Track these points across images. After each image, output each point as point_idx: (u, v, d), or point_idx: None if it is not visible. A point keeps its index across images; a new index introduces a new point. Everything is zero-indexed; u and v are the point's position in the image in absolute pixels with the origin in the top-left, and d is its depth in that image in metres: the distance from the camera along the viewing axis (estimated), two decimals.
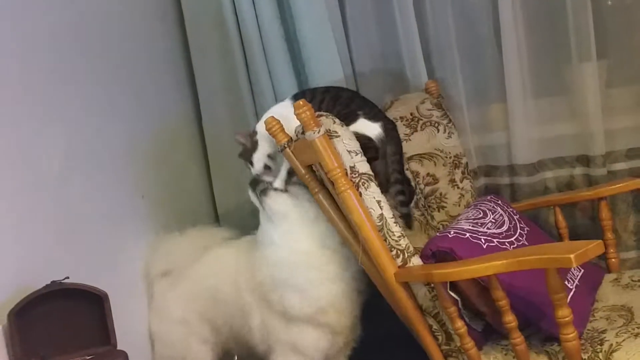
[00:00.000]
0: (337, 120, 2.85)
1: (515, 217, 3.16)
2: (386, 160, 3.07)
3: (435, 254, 2.75)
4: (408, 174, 3.36)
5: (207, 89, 4.08)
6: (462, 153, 3.53)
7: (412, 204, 3.24)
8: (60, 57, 3.09)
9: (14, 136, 2.74)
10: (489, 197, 3.32)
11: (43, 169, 2.89)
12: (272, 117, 3.05)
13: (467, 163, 3.54)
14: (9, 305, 2.52)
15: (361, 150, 2.84)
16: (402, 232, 2.80)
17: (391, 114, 3.42)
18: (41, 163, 2.88)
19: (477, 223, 2.94)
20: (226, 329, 3.42)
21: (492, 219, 3.03)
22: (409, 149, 3.43)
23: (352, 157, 2.79)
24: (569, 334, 2.37)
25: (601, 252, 2.33)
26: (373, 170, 2.85)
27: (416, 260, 2.79)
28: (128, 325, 3.04)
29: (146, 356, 3.45)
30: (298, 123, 2.86)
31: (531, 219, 3.38)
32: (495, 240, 2.85)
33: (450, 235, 2.79)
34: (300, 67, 3.90)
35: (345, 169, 2.77)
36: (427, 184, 3.42)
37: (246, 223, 3.60)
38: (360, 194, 2.76)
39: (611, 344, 2.58)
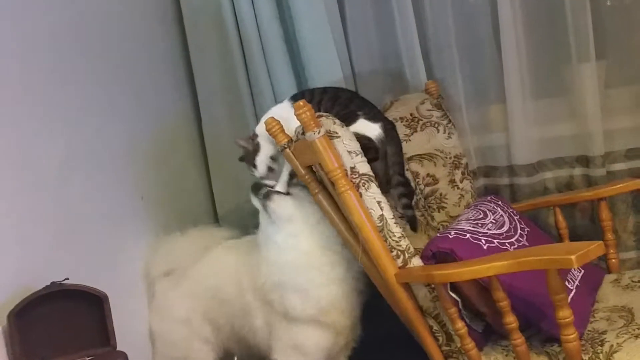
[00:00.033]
0: (337, 121, 2.84)
1: (515, 217, 3.15)
2: (386, 161, 3.06)
3: (435, 255, 2.74)
4: (408, 174, 3.33)
5: (206, 89, 4.06)
6: (462, 153, 3.52)
7: (413, 204, 3.21)
8: (60, 57, 3.09)
9: (14, 136, 2.74)
10: (489, 198, 3.30)
11: (43, 169, 2.88)
12: (272, 117, 3.04)
13: (467, 163, 3.52)
14: (9, 306, 2.53)
15: (361, 151, 2.83)
16: (403, 232, 2.79)
17: (391, 115, 3.41)
18: (41, 163, 2.88)
19: (477, 224, 2.93)
20: (227, 328, 3.41)
21: (493, 219, 3.02)
22: (409, 149, 3.41)
23: (352, 158, 2.77)
24: (570, 334, 2.35)
25: (602, 253, 2.31)
26: (373, 171, 2.83)
27: (417, 261, 2.77)
28: (128, 326, 3.02)
29: (146, 357, 3.44)
30: (297, 124, 2.85)
31: (531, 220, 3.36)
32: (495, 240, 2.83)
33: (450, 236, 2.78)
34: (299, 67, 3.89)
35: (346, 170, 2.75)
36: (427, 185, 3.40)
37: (246, 223, 3.59)
38: (361, 195, 2.75)
39: (612, 345, 2.56)
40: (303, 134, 2.79)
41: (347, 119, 2.97)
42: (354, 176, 2.75)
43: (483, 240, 2.79)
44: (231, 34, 3.85)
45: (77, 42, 3.22)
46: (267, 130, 3.03)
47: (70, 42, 3.17)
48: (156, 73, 3.92)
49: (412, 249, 2.78)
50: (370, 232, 2.73)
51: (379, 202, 2.76)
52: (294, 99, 3.13)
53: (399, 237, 2.76)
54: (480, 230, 2.86)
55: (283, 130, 3.01)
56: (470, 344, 2.64)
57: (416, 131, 3.46)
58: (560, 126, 3.70)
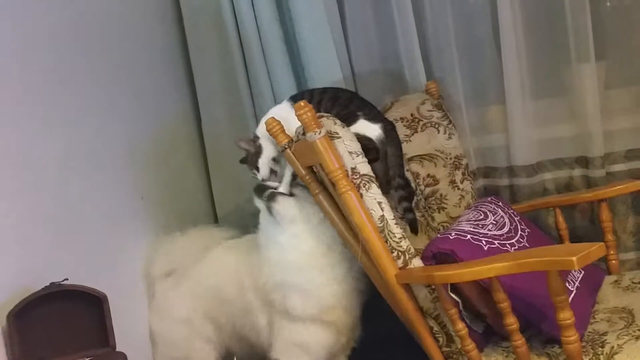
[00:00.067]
0: (338, 122, 2.82)
1: (516, 218, 3.14)
2: (386, 162, 3.04)
3: (436, 256, 2.73)
4: (408, 174, 3.32)
5: (206, 90, 4.06)
6: (462, 154, 3.50)
7: (413, 205, 3.20)
8: (60, 57, 3.07)
9: (14, 136, 2.72)
10: (489, 199, 3.29)
11: (43, 169, 2.87)
12: (273, 117, 3.03)
13: (467, 164, 3.51)
14: (8, 307, 2.52)
15: (362, 152, 2.81)
16: (403, 233, 2.77)
17: (391, 115, 3.39)
18: (41, 163, 2.86)
19: (478, 224, 2.91)
20: (229, 328, 3.41)
21: (493, 220, 3.00)
22: (409, 150, 3.40)
23: (353, 159, 2.76)
24: (571, 336, 2.33)
25: (603, 255, 2.30)
26: (373, 172, 2.82)
27: (417, 262, 2.76)
28: (127, 327, 3.02)
29: (146, 357, 3.43)
30: (297, 124, 2.84)
31: (531, 221, 3.34)
32: (496, 241, 2.82)
33: (451, 237, 2.76)
34: (299, 68, 3.88)
35: (346, 170, 2.74)
36: (427, 185, 3.39)
37: (245, 223, 3.57)
38: (361, 195, 2.73)
39: (612, 347, 2.55)
40: (304, 134, 2.78)
41: (347, 120, 2.95)
42: (355, 177, 2.74)
43: (484, 241, 2.78)
44: (231, 35, 3.85)
45: (77, 42, 3.20)
46: (268, 130, 3.02)
47: (70, 42, 3.15)
48: (156, 73, 3.91)
49: (412, 250, 2.76)
50: (371, 232, 2.72)
51: (379, 203, 2.75)
52: (294, 99, 3.13)
53: (400, 238, 2.74)
54: (480, 231, 2.85)
55: (284, 131, 3.01)
56: (470, 345, 2.62)
57: (416, 132, 3.44)
58: (560, 127, 3.69)
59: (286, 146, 2.99)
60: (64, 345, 2.66)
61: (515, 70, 3.60)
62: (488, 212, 3.06)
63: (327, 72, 3.76)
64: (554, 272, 2.25)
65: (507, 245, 2.86)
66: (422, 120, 3.46)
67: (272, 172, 3.17)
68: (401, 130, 3.33)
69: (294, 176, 3.12)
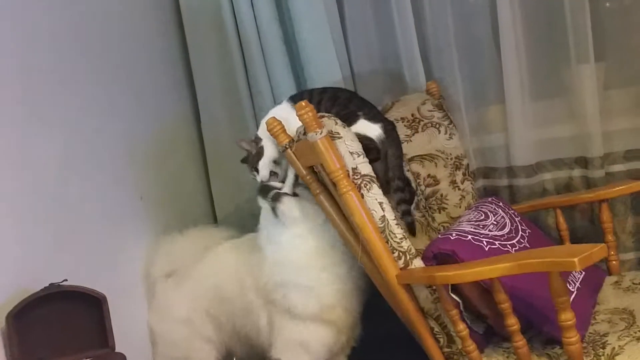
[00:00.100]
0: (339, 122, 2.80)
1: (516, 219, 3.12)
2: (386, 163, 3.02)
3: (437, 256, 2.71)
4: (409, 175, 3.30)
5: (205, 90, 4.05)
6: (463, 154, 3.48)
7: (413, 206, 3.19)
8: (60, 57, 3.07)
9: (14, 136, 2.72)
10: (490, 199, 3.26)
11: (42, 169, 2.87)
12: (274, 117, 3.01)
13: (468, 164, 3.49)
14: (8, 308, 2.52)
15: (363, 152, 2.79)
16: (404, 234, 2.75)
17: (392, 115, 3.37)
18: (41, 163, 2.86)
19: (478, 225, 2.89)
20: (229, 327, 3.40)
21: (494, 220, 2.98)
22: (410, 150, 3.38)
23: (354, 159, 2.74)
24: (572, 337, 2.31)
25: (605, 256, 2.28)
26: (373, 172, 2.80)
27: (418, 262, 2.74)
28: (127, 327, 3.02)
29: (145, 358, 3.42)
30: (297, 125, 2.84)
31: (531, 221, 3.32)
32: (497, 242, 2.80)
33: (452, 238, 2.74)
34: (298, 68, 3.86)
35: (348, 171, 2.71)
36: (427, 185, 3.36)
37: (245, 223, 3.58)
38: (362, 196, 2.71)
39: (613, 348, 2.53)
40: (304, 134, 2.76)
41: (348, 120, 2.93)
42: (356, 177, 2.72)
43: (484, 242, 2.76)
44: (230, 35, 3.83)
45: (77, 42, 3.20)
46: (269, 130, 3.01)
47: (70, 42, 3.15)
48: (156, 74, 3.90)
49: (413, 250, 2.74)
50: (372, 233, 2.69)
51: (380, 203, 2.72)
52: (293, 99, 3.12)
53: (401, 239, 2.72)
54: (481, 232, 2.83)
55: (284, 131, 2.99)
56: (471, 345, 2.60)
57: (417, 132, 3.42)
58: (559, 127, 3.67)
59: (287, 146, 2.98)
60: (64, 346, 2.66)
61: (515, 70, 3.58)
62: (489, 213, 3.04)
63: (326, 72, 3.75)
64: (555, 273, 2.23)
65: (508, 245, 2.83)
66: (422, 121, 3.44)
67: (273, 174, 3.16)
68: (402, 131, 3.31)
69: (297, 176, 3.09)
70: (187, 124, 4.11)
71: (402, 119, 3.43)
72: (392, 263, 2.70)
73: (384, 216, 2.71)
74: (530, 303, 2.59)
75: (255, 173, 3.17)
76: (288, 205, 3.08)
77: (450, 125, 3.48)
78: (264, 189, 3.16)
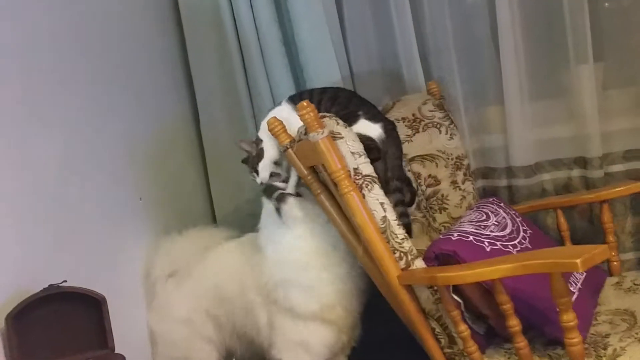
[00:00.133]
0: (340, 122, 2.78)
1: (517, 219, 3.09)
2: (386, 162, 3.00)
3: (438, 257, 2.68)
4: (410, 174, 3.29)
5: (205, 91, 4.03)
6: (463, 154, 3.46)
7: (414, 206, 3.19)
8: (60, 57, 3.05)
9: (14, 136, 2.70)
10: (491, 199, 3.25)
11: (42, 169, 2.84)
12: (275, 117, 2.99)
13: (468, 164, 3.47)
14: (7, 309, 2.50)
15: (365, 152, 2.77)
16: (405, 234, 2.72)
17: (393, 115, 3.36)
18: (40, 163, 2.84)
19: (480, 225, 2.87)
20: (229, 327, 3.38)
21: (495, 221, 2.96)
22: (410, 150, 3.36)
23: (355, 159, 2.71)
24: (574, 338, 2.28)
25: (607, 257, 2.25)
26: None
27: (419, 263, 2.70)
28: (126, 328, 3.01)
29: (145, 359, 3.40)
30: (297, 125, 2.83)
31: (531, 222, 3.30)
32: (498, 243, 2.78)
33: (453, 238, 2.72)
34: (297, 69, 3.84)
35: (349, 171, 2.69)
36: (428, 186, 3.34)
37: (244, 223, 3.56)
38: (364, 196, 2.68)
39: (615, 349, 2.51)
40: (306, 134, 2.74)
41: (348, 120, 2.91)
42: (357, 177, 2.69)
43: (486, 243, 2.73)
44: (230, 36, 3.81)
45: (77, 42, 3.18)
46: (270, 130, 2.98)
47: (70, 42, 3.13)
48: (155, 74, 3.88)
49: (414, 251, 2.71)
50: (373, 233, 2.66)
51: (382, 204, 2.69)
52: (292, 99, 3.11)
53: (402, 239, 2.69)
54: (483, 232, 2.80)
55: (285, 130, 2.97)
56: (473, 346, 2.57)
57: (418, 132, 3.40)
58: (558, 128, 3.66)
59: (288, 146, 2.96)
60: (63, 347, 2.64)
61: (514, 71, 3.56)
62: (490, 213, 3.02)
63: (325, 72, 3.73)
64: (557, 274, 2.21)
65: (510, 246, 2.81)
66: (423, 121, 3.42)
67: (273, 175, 3.14)
68: (402, 131, 3.29)
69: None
70: (186, 125, 4.09)
71: (403, 119, 3.41)
72: (393, 264, 2.67)
73: (385, 217, 2.68)
74: (532, 304, 2.57)
75: (255, 174, 3.15)
76: (292, 206, 3.06)
77: (451, 126, 3.46)
78: (269, 189, 3.14)
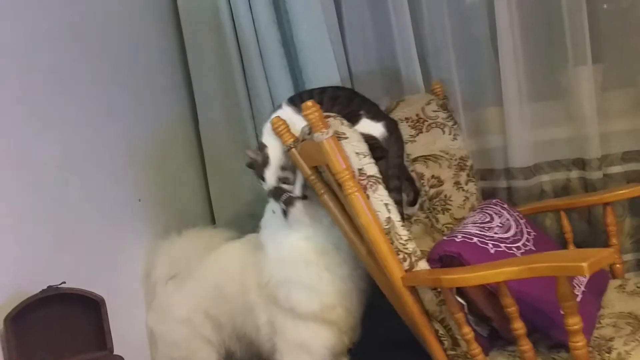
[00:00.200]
0: (345, 122, 2.72)
1: (521, 221, 3.03)
2: (387, 161, 2.92)
3: (442, 258, 2.62)
4: (413, 174, 3.24)
5: (204, 93, 3.99)
6: (467, 155, 3.40)
7: (417, 206, 3.14)
8: (60, 57, 3.03)
9: (14, 136, 2.69)
10: (494, 201, 3.19)
11: (42, 169, 2.83)
12: (278, 117, 2.93)
13: (472, 165, 3.41)
14: (6, 310, 2.49)
15: (369, 152, 2.71)
16: (410, 235, 2.66)
17: (396, 115, 3.30)
18: (40, 164, 2.82)
19: (484, 227, 2.81)
20: (229, 327, 3.34)
21: (499, 223, 2.89)
22: (414, 150, 3.31)
23: (360, 160, 2.64)
24: (578, 341, 2.21)
25: (613, 261, 2.19)
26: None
27: (423, 265, 2.64)
28: (125, 330, 3.02)
29: None
30: (300, 126, 2.78)
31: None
32: (502, 245, 2.71)
33: (457, 240, 2.65)
34: (296, 70, 3.80)
35: (354, 171, 2.62)
36: (431, 186, 3.30)
37: (243, 224, 3.54)
38: (368, 197, 2.61)
39: (619, 352, 2.44)
40: (309, 134, 2.67)
41: (350, 119, 2.84)
42: (362, 178, 2.62)
43: (490, 244, 2.67)
44: (229, 37, 3.77)
45: (76, 43, 3.15)
46: (273, 129, 2.91)
47: (70, 42, 3.11)
48: (154, 75, 3.84)
49: (418, 252, 2.64)
50: (377, 234, 2.59)
51: (386, 205, 2.63)
52: (292, 101, 3.04)
53: (406, 240, 2.62)
54: (487, 234, 2.74)
55: (289, 130, 2.90)
56: (477, 349, 2.50)
57: (421, 132, 3.35)
58: (557, 129, 3.63)
59: (291, 145, 2.89)
60: (62, 348, 2.64)
61: (513, 72, 3.53)
62: (494, 215, 2.96)
63: (324, 73, 3.69)
64: (563, 278, 2.14)
65: (514, 248, 2.75)
66: (427, 121, 3.36)
67: (280, 179, 3.04)
68: (406, 131, 3.26)
69: None
70: (185, 125, 4.05)
71: (407, 119, 3.36)
72: (397, 265, 2.60)
73: (389, 217, 2.61)
74: (537, 307, 2.50)
75: (261, 181, 3.07)
76: (299, 208, 2.99)
77: (455, 126, 3.40)
78: (276, 192, 3.05)
